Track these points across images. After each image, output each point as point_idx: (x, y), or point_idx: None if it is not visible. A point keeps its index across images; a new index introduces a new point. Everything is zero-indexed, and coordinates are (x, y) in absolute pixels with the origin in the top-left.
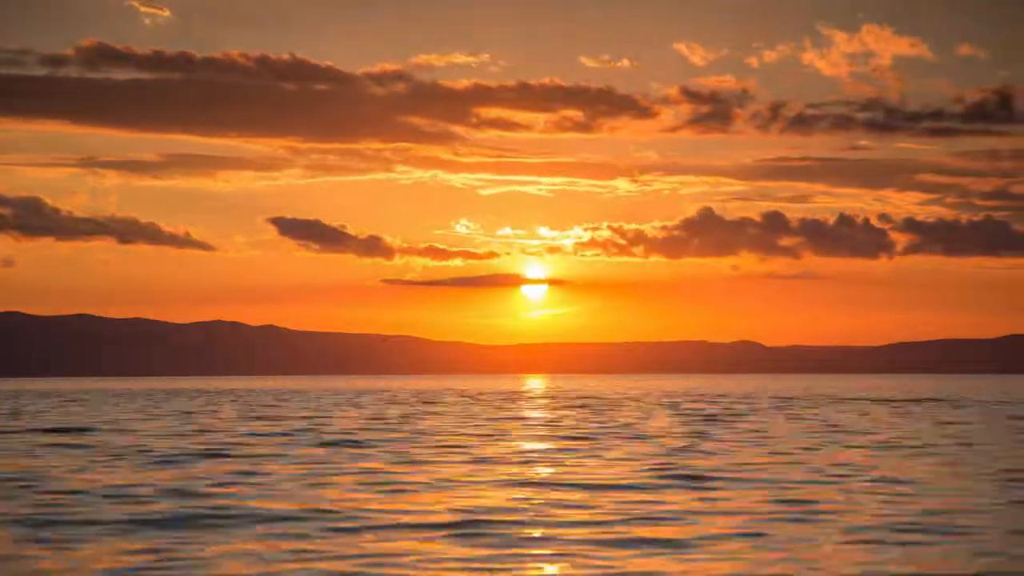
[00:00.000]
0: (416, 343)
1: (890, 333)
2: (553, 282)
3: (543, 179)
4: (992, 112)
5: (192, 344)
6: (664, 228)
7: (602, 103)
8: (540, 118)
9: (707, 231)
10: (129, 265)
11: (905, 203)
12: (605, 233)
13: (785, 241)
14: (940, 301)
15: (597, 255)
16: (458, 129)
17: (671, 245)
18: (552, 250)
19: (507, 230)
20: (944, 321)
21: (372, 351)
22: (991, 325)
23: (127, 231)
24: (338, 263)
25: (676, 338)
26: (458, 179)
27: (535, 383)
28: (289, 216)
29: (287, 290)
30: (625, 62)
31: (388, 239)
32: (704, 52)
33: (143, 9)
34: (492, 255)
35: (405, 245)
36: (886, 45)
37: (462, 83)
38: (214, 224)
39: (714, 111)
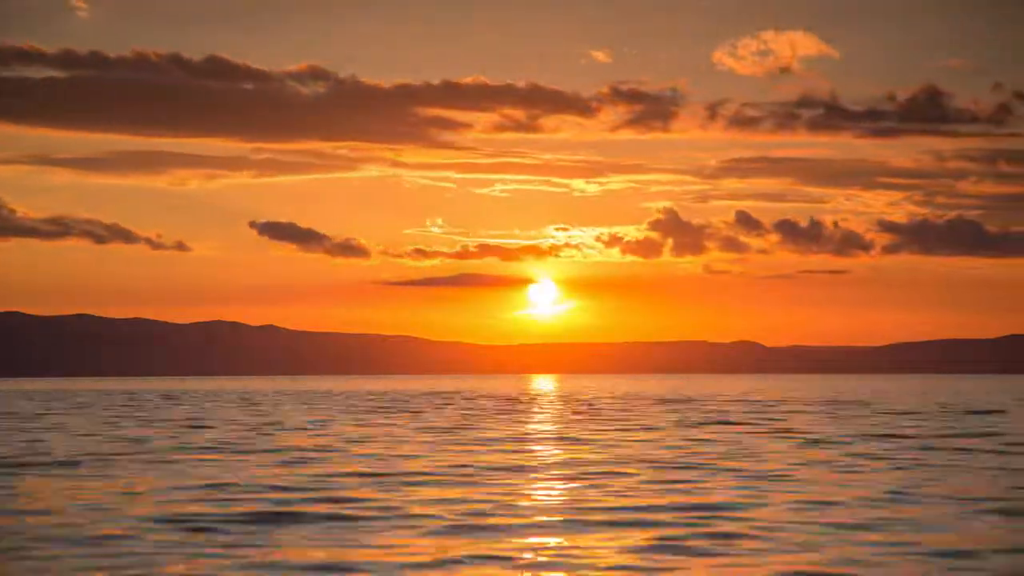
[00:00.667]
0: (415, 343)
1: (890, 333)
2: (547, 282)
3: (506, 176)
4: (926, 111)
5: (192, 344)
6: (639, 228)
7: (539, 102)
8: (480, 117)
9: (681, 231)
10: (113, 265)
11: (878, 202)
12: (580, 233)
13: (760, 239)
14: (940, 301)
15: (586, 255)
16: (402, 128)
17: (647, 246)
18: (533, 250)
19: (484, 230)
20: (944, 321)
21: (372, 351)
22: (991, 325)
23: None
24: (316, 263)
25: (676, 338)
26: (422, 178)
27: (506, 381)
28: (263, 219)
29: (287, 290)
30: (552, 62)
31: (363, 240)
32: (630, 52)
33: (60, 6)
34: (471, 254)
35: (381, 247)
36: (804, 47)
37: (388, 82)
38: (181, 224)
39: (651, 110)
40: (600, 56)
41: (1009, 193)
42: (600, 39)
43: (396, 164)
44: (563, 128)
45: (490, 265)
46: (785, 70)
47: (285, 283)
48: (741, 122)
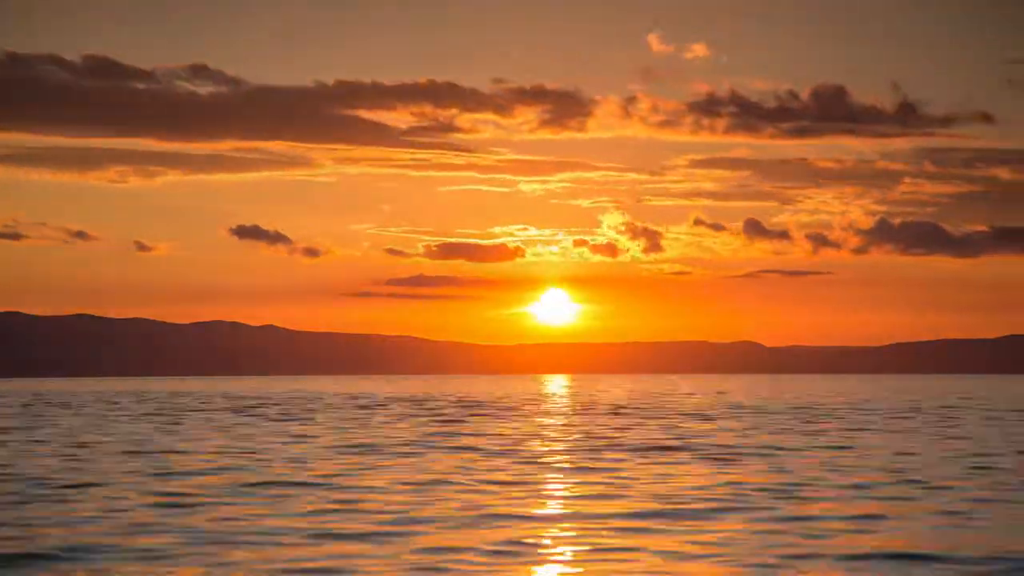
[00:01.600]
0: (416, 343)
1: (890, 333)
2: (542, 282)
3: (458, 175)
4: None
5: (192, 344)
6: (612, 228)
7: (455, 101)
8: (403, 116)
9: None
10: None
11: (842, 203)
12: (538, 232)
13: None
14: (939, 301)
15: (566, 255)
16: (340, 129)
17: (615, 248)
18: (500, 250)
19: (466, 229)
20: (944, 321)
21: (372, 351)
22: (991, 325)
23: None
24: (287, 262)
25: (676, 338)
26: (370, 177)
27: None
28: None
29: (286, 290)
30: (465, 59)
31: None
32: (540, 52)
33: None
34: (438, 254)
35: (340, 246)
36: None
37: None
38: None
39: (567, 109)
40: (514, 54)
41: (956, 193)
42: (514, 38)
43: (344, 162)
44: (480, 128)
45: (466, 266)
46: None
47: (279, 284)
48: (670, 123)
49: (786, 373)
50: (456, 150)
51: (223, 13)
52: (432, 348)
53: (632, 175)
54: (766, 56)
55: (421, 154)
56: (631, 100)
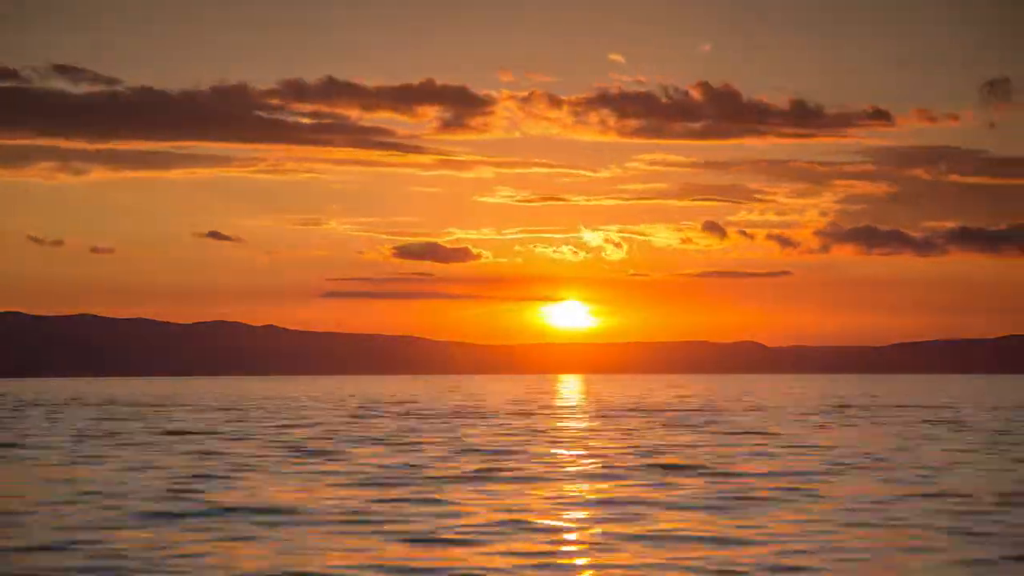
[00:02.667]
0: (416, 343)
1: (890, 333)
2: (536, 281)
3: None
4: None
5: (192, 344)
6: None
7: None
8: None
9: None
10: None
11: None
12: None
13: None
14: (939, 301)
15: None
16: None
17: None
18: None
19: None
20: (944, 321)
21: (372, 351)
22: (991, 325)
23: None
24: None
25: (676, 338)
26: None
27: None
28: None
29: (287, 290)
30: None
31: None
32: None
33: None
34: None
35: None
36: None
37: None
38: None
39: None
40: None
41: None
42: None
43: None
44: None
45: (458, 264)
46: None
47: (278, 283)
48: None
49: (786, 373)
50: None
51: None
52: (432, 348)
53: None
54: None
55: (373, 153)
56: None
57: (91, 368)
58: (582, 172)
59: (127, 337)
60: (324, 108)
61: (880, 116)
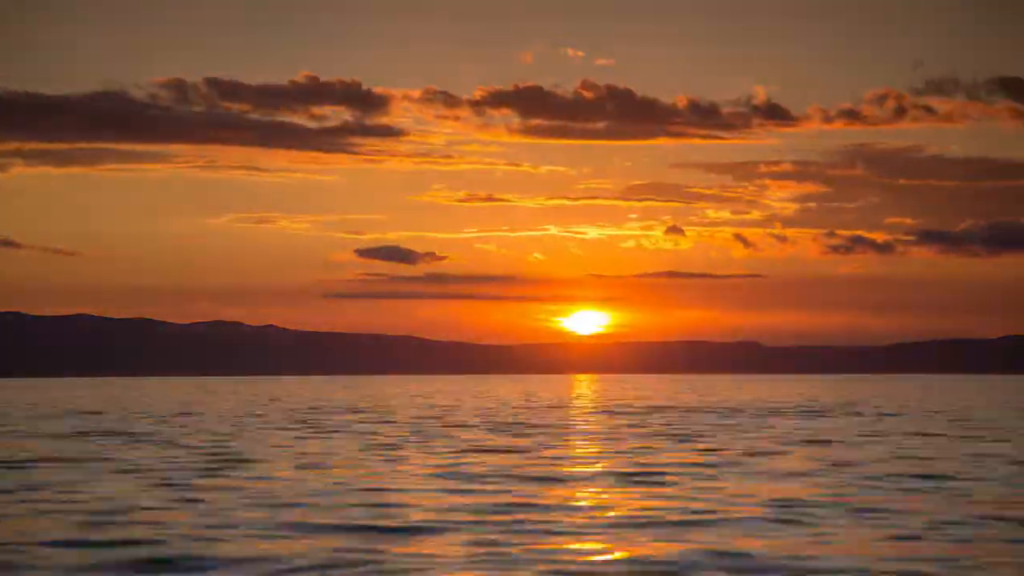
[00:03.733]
0: (416, 343)
1: (890, 333)
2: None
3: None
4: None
5: (192, 344)
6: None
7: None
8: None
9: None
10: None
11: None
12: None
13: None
14: (940, 301)
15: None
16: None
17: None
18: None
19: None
20: (944, 321)
21: (373, 351)
22: (991, 325)
23: None
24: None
25: (676, 338)
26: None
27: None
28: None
29: (286, 290)
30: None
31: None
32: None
33: None
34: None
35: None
36: None
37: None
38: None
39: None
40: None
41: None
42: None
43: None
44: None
45: (448, 264)
46: None
47: (279, 282)
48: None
49: (786, 373)
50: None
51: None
52: (433, 348)
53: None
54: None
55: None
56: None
57: (91, 368)
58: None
59: (127, 337)
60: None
61: (779, 114)
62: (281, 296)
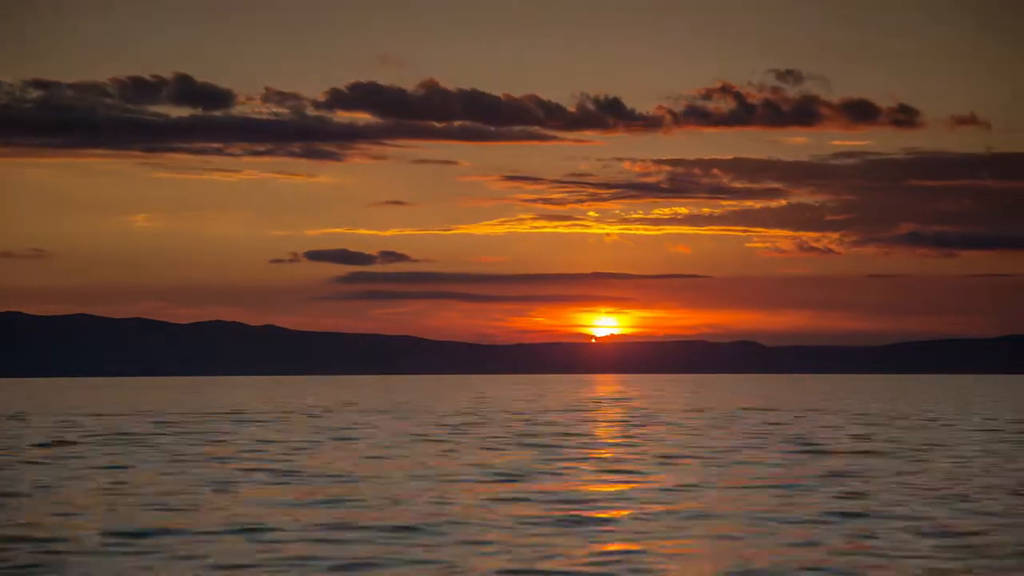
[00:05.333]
0: (416, 343)
1: (891, 333)
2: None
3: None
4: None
5: (192, 344)
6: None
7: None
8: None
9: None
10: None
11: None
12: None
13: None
14: (939, 301)
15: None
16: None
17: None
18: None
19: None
20: (944, 321)
21: (373, 351)
22: (991, 325)
23: None
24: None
25: (675, 338)
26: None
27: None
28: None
29: (286, 290)
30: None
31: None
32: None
33: None
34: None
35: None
36: None
37: None
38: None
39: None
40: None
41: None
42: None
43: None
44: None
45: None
46: None
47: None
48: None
49: (786, 373)
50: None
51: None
52: (433, 348)
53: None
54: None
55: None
56: None
57: (90, 368)
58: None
59: (127, 337)
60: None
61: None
62: (281, 296)
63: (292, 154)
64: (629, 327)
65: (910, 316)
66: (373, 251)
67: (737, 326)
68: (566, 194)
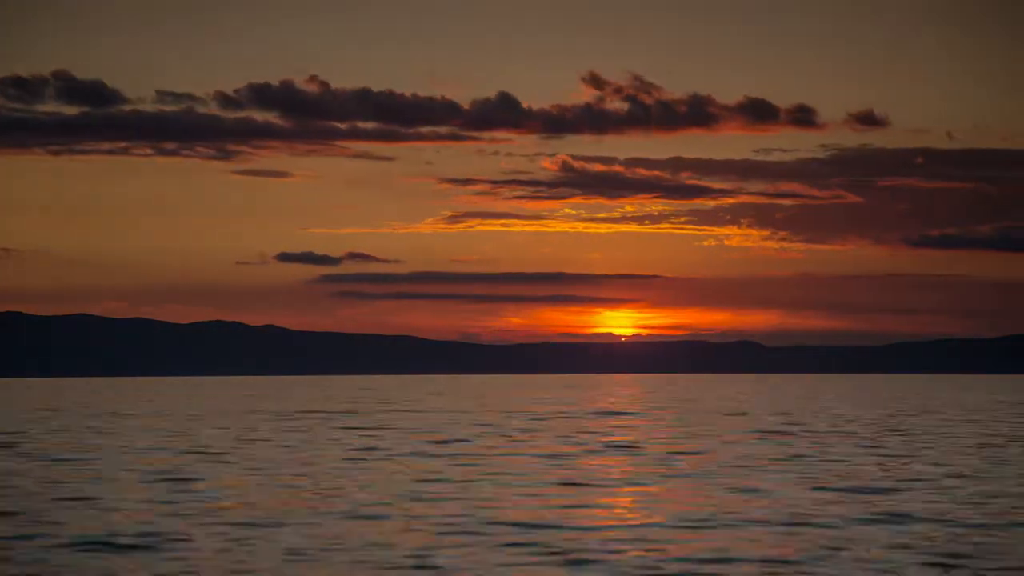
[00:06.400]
0: (416, 343)
1: (890, 333)
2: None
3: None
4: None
5: (192, 344)
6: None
7: None
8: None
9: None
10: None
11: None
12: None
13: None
14: (939, 301)
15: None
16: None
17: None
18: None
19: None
20: (944, 321)
21: (373, 351)
22: (991, 325)
23: None
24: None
25: (675, 337)
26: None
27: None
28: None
29: (285, 290)
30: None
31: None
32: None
33: None
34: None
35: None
36: None
37: None
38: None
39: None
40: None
41: None
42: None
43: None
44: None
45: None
46: None
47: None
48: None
49: (786, 373)
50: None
51: None
52: (433, 348)
53: None
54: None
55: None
56: None
57: (89, 368)
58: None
59: (127, 337)
60: None
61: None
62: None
63: (204, 155)
64: (593, 328)
65: None
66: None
67: (731, 325)
68: (497, 194)
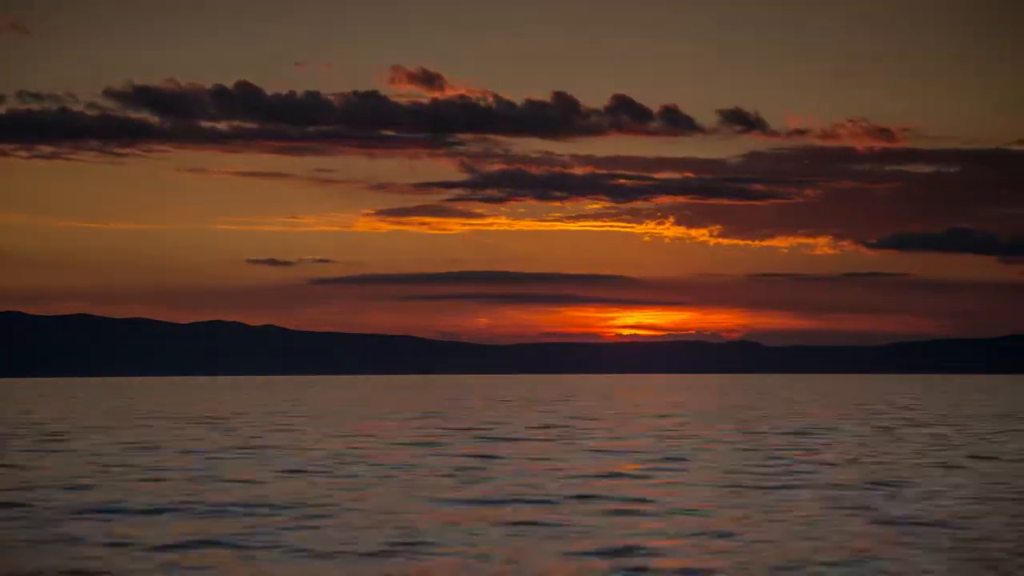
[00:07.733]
0: (416, 343)
1: (890, 333)
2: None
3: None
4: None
5: (192, 344)
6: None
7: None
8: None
9: None
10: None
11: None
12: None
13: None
14: (938, 301)
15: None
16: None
17: None
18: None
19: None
20: (944, 321)
21: (373, 351)
22: (991, 325)
23: None
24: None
25: (675, 337)
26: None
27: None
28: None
29: (285, 290)
30: None
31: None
32: None
33: None
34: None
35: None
36: None
37: None
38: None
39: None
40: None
41: None
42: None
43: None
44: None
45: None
46: None
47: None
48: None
49: (786, 373)
50: None
51: None
52: (432, 348)
53: None
54: None
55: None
56: None
57: (88, 368)
58: None
59: (127, 337)
60: None
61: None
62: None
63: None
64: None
65: None
66: None
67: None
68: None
